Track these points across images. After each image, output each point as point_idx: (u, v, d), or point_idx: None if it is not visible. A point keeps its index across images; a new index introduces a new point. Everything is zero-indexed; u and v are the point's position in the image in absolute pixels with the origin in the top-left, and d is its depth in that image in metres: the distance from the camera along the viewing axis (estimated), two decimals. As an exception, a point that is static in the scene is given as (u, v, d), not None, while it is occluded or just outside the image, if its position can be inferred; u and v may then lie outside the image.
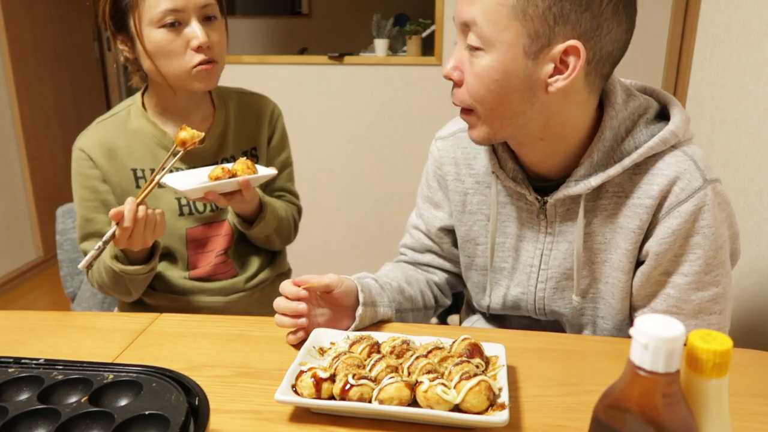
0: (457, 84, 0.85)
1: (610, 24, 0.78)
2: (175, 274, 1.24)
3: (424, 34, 2.84)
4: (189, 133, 1.04)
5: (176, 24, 1.08)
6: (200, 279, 1.25)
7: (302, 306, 0.89)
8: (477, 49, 0.80)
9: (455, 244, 1.10)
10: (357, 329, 0.93)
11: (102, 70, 4.15)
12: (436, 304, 1.12)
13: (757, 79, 1.38)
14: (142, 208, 1.01)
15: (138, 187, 1.19)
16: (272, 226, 1.23)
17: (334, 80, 2.84)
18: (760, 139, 1.35)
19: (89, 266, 1.00)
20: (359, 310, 0.93)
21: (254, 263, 1.30)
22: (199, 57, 1.10)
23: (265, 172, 1.10)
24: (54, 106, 3.60)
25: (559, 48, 0.77)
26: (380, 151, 2.91)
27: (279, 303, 0.91)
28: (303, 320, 0.89)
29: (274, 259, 1.35)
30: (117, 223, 0.99)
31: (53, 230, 1.46)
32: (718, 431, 0.50)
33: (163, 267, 1.24)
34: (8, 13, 3.15)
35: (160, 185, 1.12)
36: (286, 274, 1.39)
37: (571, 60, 0.78)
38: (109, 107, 4.20)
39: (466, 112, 0.87)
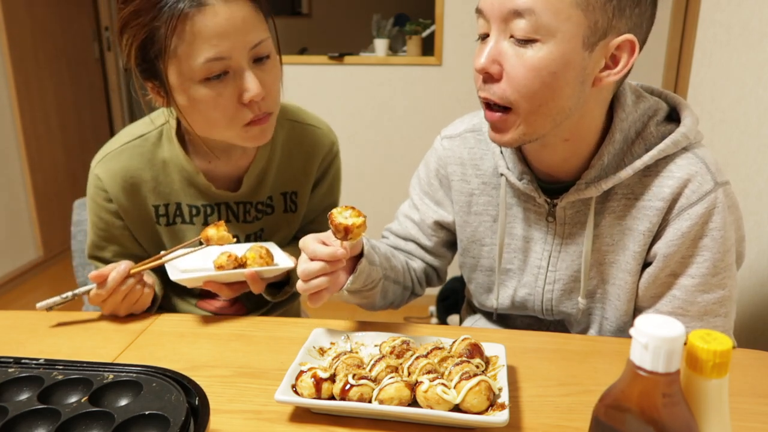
0: (495, 79, 0.80)
1: (647, 22, 0.79)
2: (183, 300, 1.16)
3: (424, 34, 2.84)
4: (218, 234, 0.94)
5: (222, 75, 0.88)
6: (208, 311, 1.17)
7: (341, 251, 0.82)
8: (530, 40, 0.76)
9: (446, 242, 1.09)
10: (353, 286, 0.90)
11: (102, 71, 4.15)
12: (412, 289, 1.10)
13: (757, 79, 1.38)
14: (130, 282, 0.93)
15: (158, 223, 1.08)
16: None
17: (334, 80, 2.84)
18: (760, 139, 1.35)
19: (49, 308, 0.95)
20: (362, 264, 0.89)
21: (265, 304, 1.17)
22: (252, 114, 0.91)
23: (283, 264, 0.98)
24: (54, 106, 3.60)
25: (615, 42, 0.77)
26: (380, 151, 2.91)
27: (317, 248, 0.84)
28: (324, 279, 0.84)
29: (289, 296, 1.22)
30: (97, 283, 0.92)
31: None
32: (718, 431, 0.50)
33: (173, 292, 1.16)
34: (8, 13, 3.15)
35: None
36: (294, 298, 1.28)
37: (624, 55, 0.78)
38: (109, 107, 4.20)
39: (500, 111, 0.81)
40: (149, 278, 1.02)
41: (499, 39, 0.79)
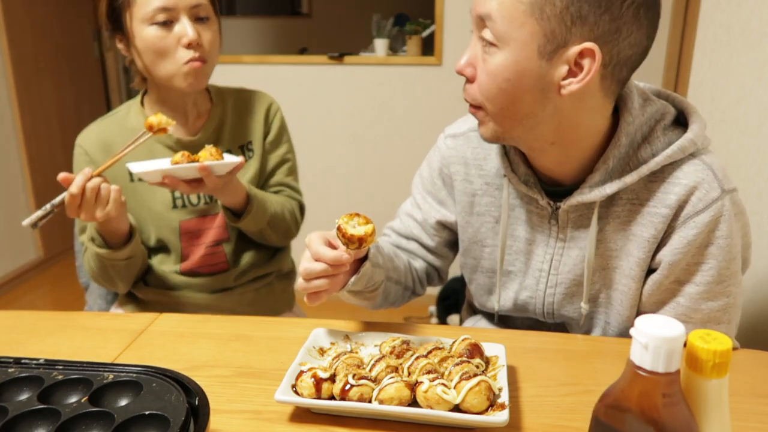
0: (470, 80, 0.83)
1: (630, 28, 0.75)
2: (167, 268, 1.24)
3: (424, 34, 2.84)
4: (158, 118, 1.07)
5: (168, 22, 1.11)
6: (189, 273, 1.24)
7: (346, 256, 0.82)
8: (491, 45, 0.78)
9: (448, 241, 1.09)
10: (354, 287, 0.90)
11: (102, 70, 4.15)
12: (413, 289, 1.09)
13: (757, 79, 1.38)
14: (96, 179, 1.01)
15: (132, 181, 1.21)
16: (263, 220, 1.22)
17: (334, 80, 2.84)
18: (760, 139, 1.35)
19: (34, 224, 1.02)
20: (365, 266, 0.89)
21: (247, 259, 1.28)
22: (190, 54, 1.12)
23: (231, 159, 1.08)
24: (54, 106, 3.60)
25: (575, 50, 0.75)
26: (380, 151, 2.91)
27: (320, 250, 0.83)
28: (325, 281, 0.84)
29: (273, 257, 1.33)
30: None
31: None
32: (718, 431, 0.50)
33: (156, 261, 1.25)
34: (8, 13, 3.15)
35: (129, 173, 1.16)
36: (287, 274, 1.37)
37: (586, 63, 0.76)
38: (109, 107, 4.20)
39: (476, 108, 0.85)
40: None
41: (476, 42, 0.82)
